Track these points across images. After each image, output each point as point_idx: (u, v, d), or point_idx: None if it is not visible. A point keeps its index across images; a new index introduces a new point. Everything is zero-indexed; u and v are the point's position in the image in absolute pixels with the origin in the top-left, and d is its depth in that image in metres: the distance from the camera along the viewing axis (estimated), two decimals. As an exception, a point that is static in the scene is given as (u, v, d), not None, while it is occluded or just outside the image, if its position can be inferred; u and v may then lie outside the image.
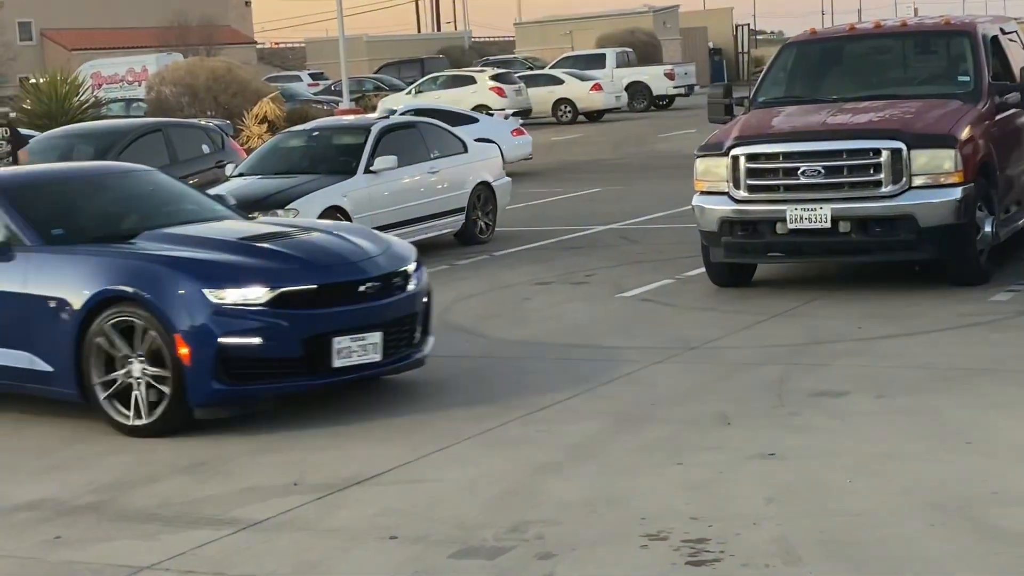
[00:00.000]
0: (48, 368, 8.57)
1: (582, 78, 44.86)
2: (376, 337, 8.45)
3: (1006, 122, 12.34)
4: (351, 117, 23.02)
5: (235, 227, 9.42)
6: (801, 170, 11.37)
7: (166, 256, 8.49)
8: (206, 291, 8.17)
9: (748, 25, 73.41)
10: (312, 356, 8.25)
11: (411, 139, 16.00)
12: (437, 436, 7.89)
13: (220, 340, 8.11)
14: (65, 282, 8.54)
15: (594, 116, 44.24)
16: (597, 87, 44.12)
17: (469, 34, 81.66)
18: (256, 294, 8.20)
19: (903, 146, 11.12)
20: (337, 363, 8.33)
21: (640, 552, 5.90)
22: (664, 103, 49.27)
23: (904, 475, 6.67)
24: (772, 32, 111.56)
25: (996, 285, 11.36)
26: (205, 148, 17.96)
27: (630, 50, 53.46)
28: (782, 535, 5.98)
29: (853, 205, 11.23)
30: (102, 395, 8.36)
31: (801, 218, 11.21)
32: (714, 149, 11.91)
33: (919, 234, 11.13)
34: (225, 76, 33.52)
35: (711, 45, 66.68)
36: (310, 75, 60.32)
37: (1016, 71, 12.74)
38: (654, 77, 49.43)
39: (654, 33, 61.48)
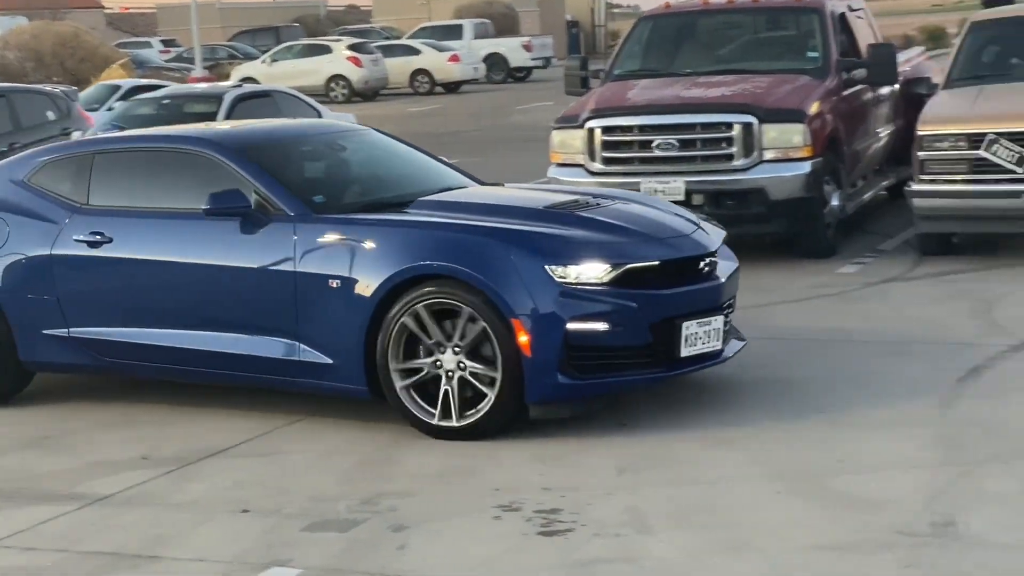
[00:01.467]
0: (324, 359, 7.26)
1: (439, 49, 44.76)
2: (718, 322, 7.36)
3: (853, 98, 12.59)
4: (203, 85, 22.67)
5: (519, 194, 8.30)
6: (656, 143, 11.49)
7: (494, 228, 7.18)
8: (548, 268, 6.93)
9: (605, -2, 73.80)
10: (659, 344, 7.09)
11: (266, 108, 15.81)
12: (293, 408, 7.82)
13: (568, 326, 6.88)
14: (353, 258, 7.20)
15: (451, 87, 44.16)
16: (455, 58, 44.05)
17: (325, 3, 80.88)
18: (597, 272, 6.97)
19: (754, 120, 11.29)
20: (684, 352, 7.16)
21: (493, 523, 5.92)
22: (522, 75, 49.37)
23: (753, 445, 6.78)
24: (629, 6, 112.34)
25: (844, 258, 11.61)
26: (50, 115, 17.53)
27: (488, 21, 53.44)
28: (634, 505, 6.05)
29: (706, 178, 11.38)
30: (399, 383, 7.10)
31: (655, 191, 11.32)
32: (570, 121, 11.97)
33: (770, 207, 11.32)
34: (72, 41, 32.81)
35: (568, 17, 66.90)
36: (162, 42, 59.26)
37: (863, 48, 13.01)
38: (512, 49, 49.49)
39: (512, 5, 61.50)
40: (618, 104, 11.95)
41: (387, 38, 52.08)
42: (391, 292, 7.06)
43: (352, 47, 41.96)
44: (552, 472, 6.55)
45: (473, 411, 6.99)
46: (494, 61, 48.43)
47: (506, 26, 56.96)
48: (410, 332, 7.05)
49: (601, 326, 6.91)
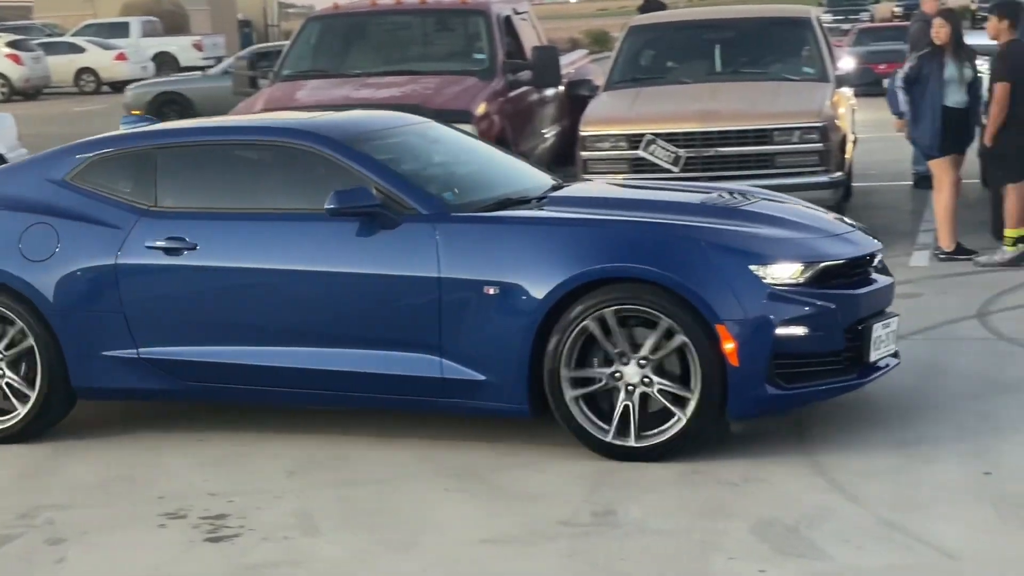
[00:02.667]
0: (475, 376, 6.42)
1: (105, 47, 43.45)
2: (894, 323, 6.78)
3: (519, 99, 12.86)
4: None
5: (654, 191, 7.67)
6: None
7: (687, 225, 6.52)
8: (753, 268, 6.30)
9: (278, -3, 73.15)
10: (850, 348, 6.47)
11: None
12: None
13: (776, 332, 6.24)
14: (513, 261, 6.40)
15: (118, 86, 42.91)
16: (121, 57, 42.85)
17: (-17, -3, 77.47)
18: (792, 271, 6.33)
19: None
20: (872, 356, 6.55)
21: (157, 531, 5.79)
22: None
23: (422, 443, 6.83)
24: (303, 5, 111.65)
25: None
26: None
27: (156, 19, 52.18)
28: (302, 507, 6.01)
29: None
30: (570, 393, 6.32)
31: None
32: (237, 122, 11.80)
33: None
34: None
35: (240, 16, 66.01)
36: None
37: (528, 50, 13.30)
38: (182, 48, 48.44)
39: (181, 3, 60.25)
40: (287, 105, 11.85)
41: (49, 35, 50.21)
42: (566, 297, 6.29)
43: (11, 44, 40.30)
44: (220, 477, 6.44)
45: (656, 431, 6.27)
46: (163, 60, 47.33)
47: (175, 25, 55.74)
48: (587, 338, 6.30)
49: (804, 330, 6.27)
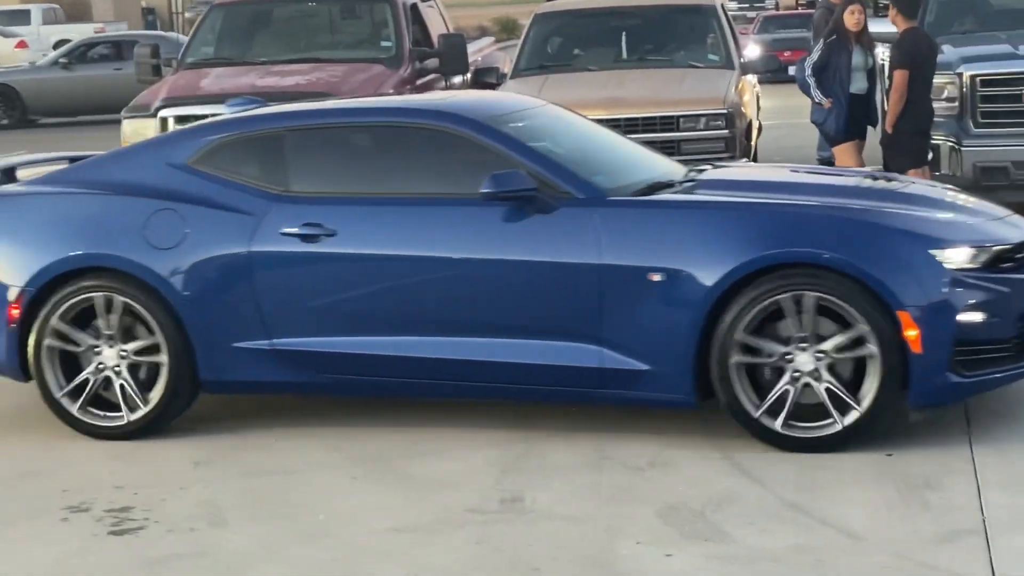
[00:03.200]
0: (637, 366, 6.21)
1: (5, 35, 42.74)
2: None
3: (427, 87, 12.81)
4: None
5: (803, 174, 7.47)
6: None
7: (864, 209, 6.40)
8: (934, 253, 6.10)
9: (182, -15, 72.32)
10: (1020, 335, 6.25)
11: None
12: None
13: (958, 318, 6.07)
14: (678, 247, 6.19)
15: (20, 74, 42.24)
16: (22, 44, 42.16)
17: None
18: (966, 256, 6.14)
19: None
20: None
21: (60, 525, 5.71)
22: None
23: (329, 433, 6.80)
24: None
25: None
26: None
27: (57, 6, 51.39)
28: (209, 498, 5.96)
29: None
30: (736, 358, 6.10)
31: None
32: (142, 111, 11.74)
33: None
34: None
35: (144, 4, 65.22)
36: None
37: (435, 38, 13.28)
38: (83, 35, 47.78)
39: (84, -11, 59.44)
40: (191, 93, 11.76)
41: (-53, 23, 49.31)
42: (738, 284, 6.09)
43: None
44: (125, 470, 6.37)
45: (806, 425, 6.13)
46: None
47: (77, 12, 54.94)
48: (768, 315, 6.11)
49: (983, 316, 6.10)
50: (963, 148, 10.91)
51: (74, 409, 6.76)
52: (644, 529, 5.43)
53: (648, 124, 11.10)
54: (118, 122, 12.19)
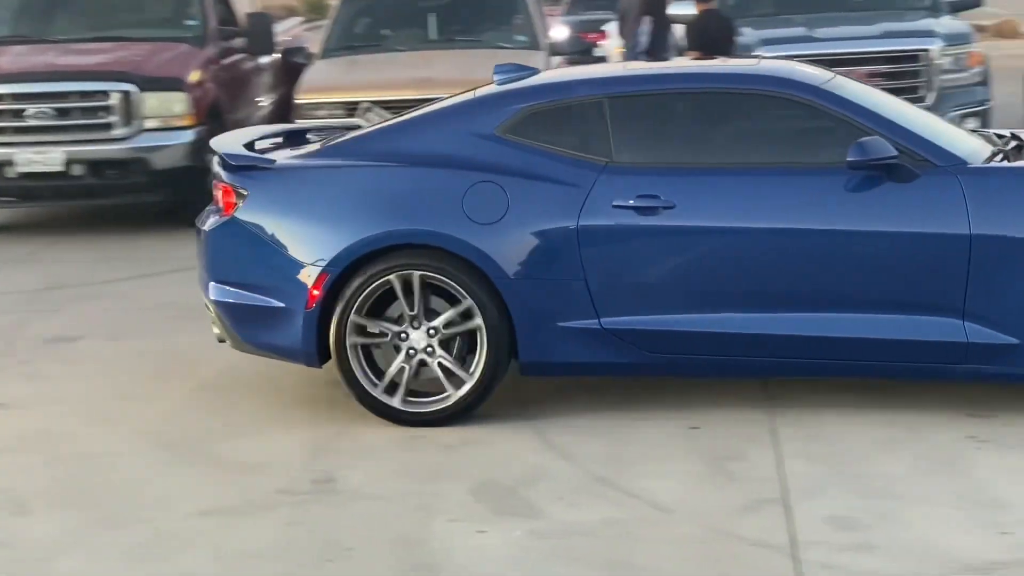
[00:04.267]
0: (1004, 339, 6.00)
1: None
2: None
3: (233, 66, 12.67)
4: None
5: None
6: (30, 112, 11.10)
7: None
8: None
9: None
10: None
11: None
12: None
13: None
14: None
15: None
16: None
17: None
18: None
19: (133, 88, 11.13)
20: None
21: None
22: None
23: (135, 417, 6.68)
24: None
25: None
26: None
27: None
28: (10, 486, 5.82)
29: (86, 148, 11.14)
30: None
31: (32, 161, 10.98)
32: (-65, 90, 11.32)
33: (152, 176, 11.22)
34: None
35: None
36: None
37: (241, 17, 13.11)
38: None
39: None
40: (-13, 71, 11.42)
41: None
42: None
43: None
44: (-79, 460, 6.19)
45: None
46: None
47: None
48: None
49: None
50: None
51: (396, 402, 6.38)
52: (456, 507, 5.47)
53: (457, 104, 11.12)
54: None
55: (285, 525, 5.34)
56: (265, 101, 13.62)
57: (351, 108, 11.20)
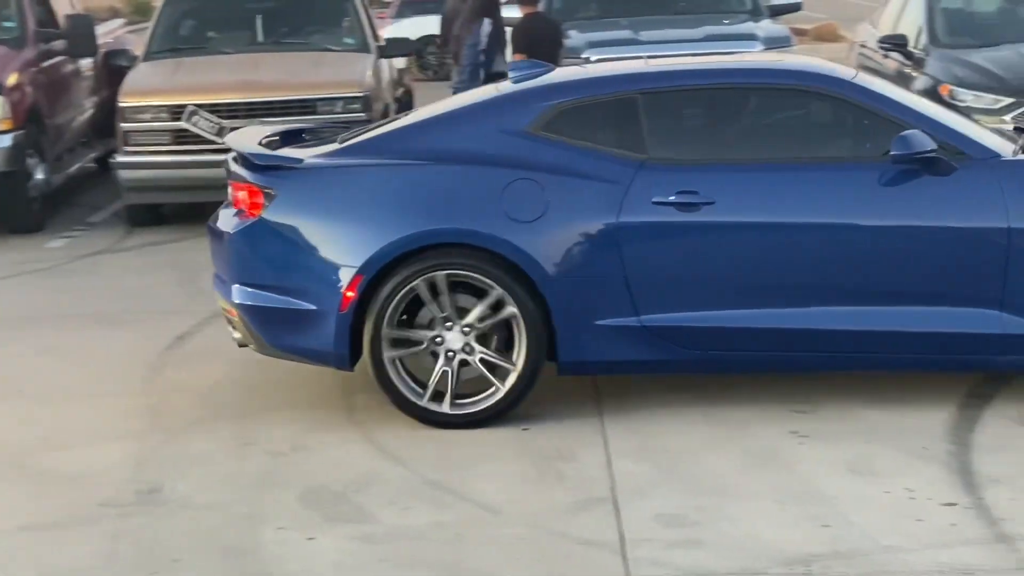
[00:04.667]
0: None
1: None
2: None
3: (53, 69, 12.36)
4: None
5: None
6: None
7: None
8: None
9: None
10: None
11: None
12: None
13: None
14: None
15: None
16: None
17: None
18: None
19: (-54, 92, 10.81)
20: None
21: None
22: None
23: (-46, 430, 6.49)
24: None
25: (52, 232, 11.36)
26: None
27: None
28: None
29: None
30: None
31: None
32: None
33: (-32, 182, 10.89)
34: None
35: None
36: None
37: (61, 18, 12.82)
38: None
39: None
40: None
41: None
42: None
43: None
44: None
45: None
46: None
47: None
48: None
49: None
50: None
51: (445, 408, 6.22)
52: (286, 514, 5.41)
53: (285, 107, 11.03)
54: None
55: (109, 538, 5.22)
56: (88, 104, 13.33)
57: (176, 112, 11.03)
